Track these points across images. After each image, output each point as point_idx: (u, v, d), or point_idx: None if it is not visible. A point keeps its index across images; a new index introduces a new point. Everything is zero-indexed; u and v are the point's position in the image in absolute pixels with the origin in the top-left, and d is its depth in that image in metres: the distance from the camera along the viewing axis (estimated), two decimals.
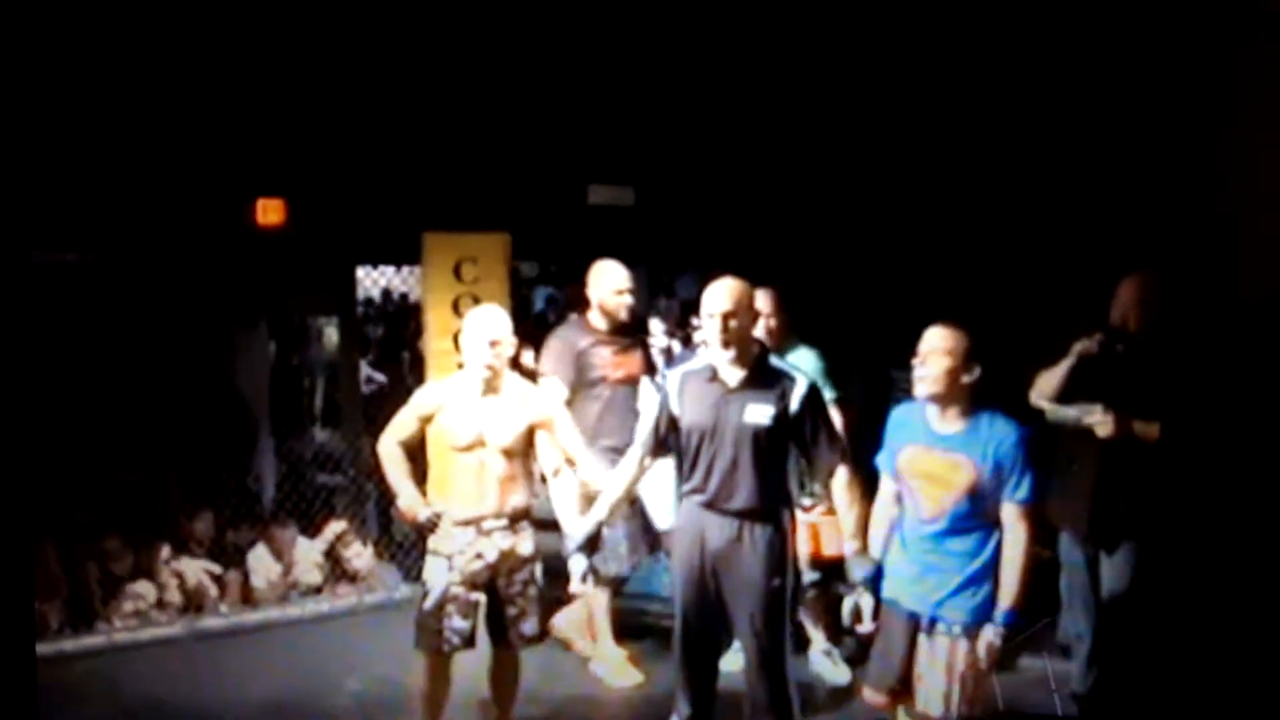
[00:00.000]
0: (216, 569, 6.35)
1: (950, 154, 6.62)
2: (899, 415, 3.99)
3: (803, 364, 5.11)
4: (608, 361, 5.29)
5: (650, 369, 5.54)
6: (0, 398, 2.91)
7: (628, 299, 5.33)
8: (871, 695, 4.03)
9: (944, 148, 6.64)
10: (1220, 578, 4.92)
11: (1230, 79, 5.45)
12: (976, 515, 3.78)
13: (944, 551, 3.81)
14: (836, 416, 5.03)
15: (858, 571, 3.99)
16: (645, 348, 5.62)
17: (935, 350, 3.77)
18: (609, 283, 5.31)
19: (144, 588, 6.10)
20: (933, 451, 3.82)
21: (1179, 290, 4.75)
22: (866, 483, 4.11)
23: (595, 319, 5.34)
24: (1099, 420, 4.51)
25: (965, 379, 3.77)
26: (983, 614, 3.76)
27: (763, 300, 5.13)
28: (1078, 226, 6.01)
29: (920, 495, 3.85)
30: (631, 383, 5.37)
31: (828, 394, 5.14)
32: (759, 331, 5.02)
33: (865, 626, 4.00)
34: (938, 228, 6.73)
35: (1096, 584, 4.73)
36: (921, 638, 3.84)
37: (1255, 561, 4.88)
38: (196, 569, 6.27)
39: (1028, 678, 5.11)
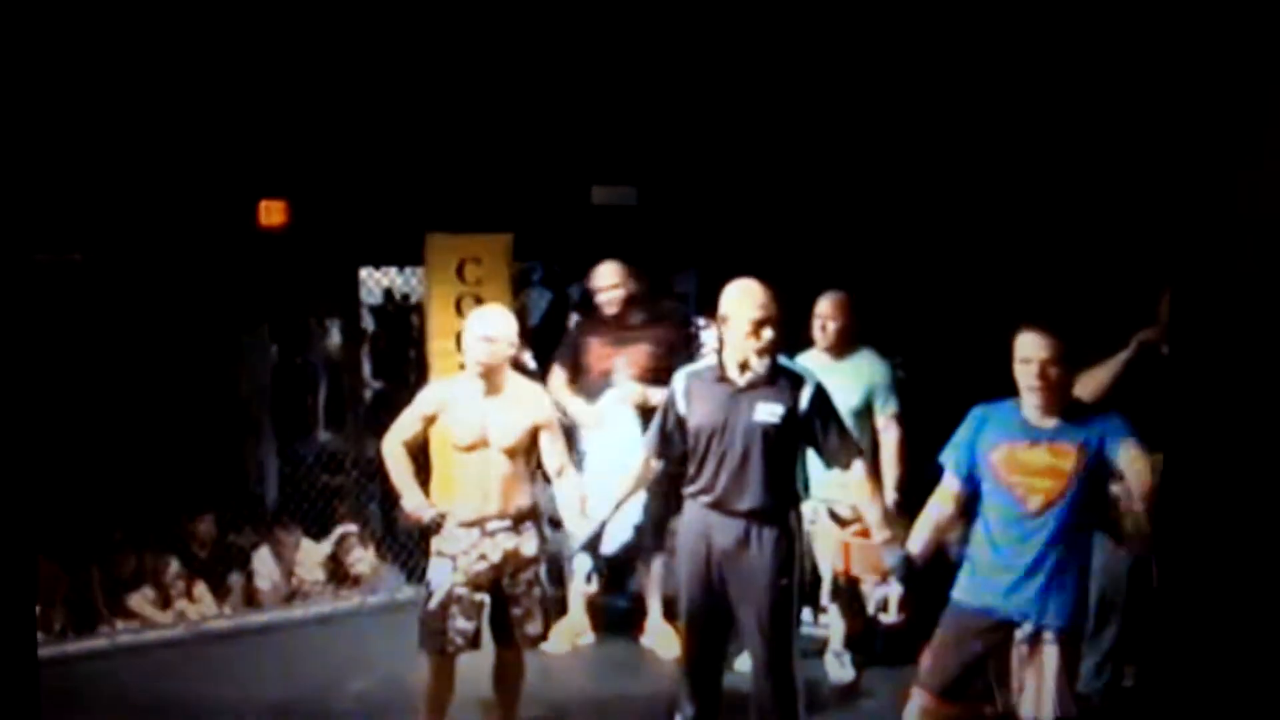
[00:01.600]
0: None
1: (951, 153, 6.61)
2: (985, 415, 3.84)
3: (869, 370, 5.21)
4: (593, 353, 5.62)
5: (657, 370, 5.38)
6: (2, 399, 2.90)
7: (607, 295, 5.61)
8: (929, 701, 3.78)
9: (945, 147, 6.62)
10: (1237, 580, 4.88)
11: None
12: (1083, 510, 3.69)
13: (1047, 549, 3.67)
14: (895, 430, 5.14)
15: (888, 559, 3.91)
16: (656, 346, 5.59)
17: (1046, 360, 3.65)
18: (594, 280, 5.68)
19: (151, 611, 6.10)
20: (1037, 446, 3.70)
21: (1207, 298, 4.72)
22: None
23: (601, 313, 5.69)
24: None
25: (1071, 377, 3.75)
26: (1077, 616, 3.71)
27: (828, 304, 5.24)
28: (1086, 234, 5.98)
29: (1021, 490, 3.70)
30: (606, 377, 5.54)
31: (891, 408, 5.20)
32: (824, 336, 5.23)
33: (891, 617, 3.90)
34: (937, 228, 6.71)
35: (1110, 584, 4.71)
36: (1020, 647, 3.69)
37: (1269, 565, 4.85)
38: (206, 595, 6.27)
39: None
